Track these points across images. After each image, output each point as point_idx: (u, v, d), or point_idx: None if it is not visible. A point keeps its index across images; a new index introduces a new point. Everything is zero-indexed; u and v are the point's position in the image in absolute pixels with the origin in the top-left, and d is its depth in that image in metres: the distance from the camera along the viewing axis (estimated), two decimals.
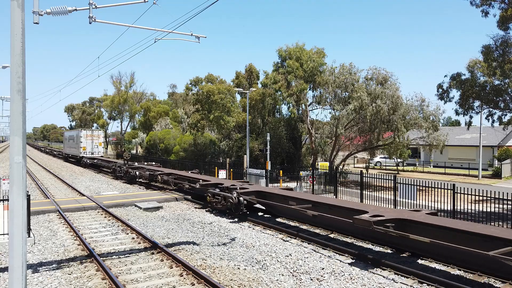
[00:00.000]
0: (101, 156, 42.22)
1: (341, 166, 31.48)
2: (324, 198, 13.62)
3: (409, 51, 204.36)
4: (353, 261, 9.77)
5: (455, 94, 29.99)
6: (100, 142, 43.35)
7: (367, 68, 35.96)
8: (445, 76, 21.11)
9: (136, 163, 29.10)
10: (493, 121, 21.12)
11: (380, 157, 48.54)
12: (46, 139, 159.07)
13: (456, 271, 8.80)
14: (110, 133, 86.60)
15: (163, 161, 36.39)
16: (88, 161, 40.07)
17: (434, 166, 45.73)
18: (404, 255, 10.04)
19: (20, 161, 5.99)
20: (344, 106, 27.33)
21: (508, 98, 19.16)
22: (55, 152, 69.52)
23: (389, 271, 8.91)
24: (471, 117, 21.34)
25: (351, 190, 19.52)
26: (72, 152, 46.73)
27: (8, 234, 7.75)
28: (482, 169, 35.69)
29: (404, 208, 15.51)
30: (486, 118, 21.91)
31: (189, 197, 19.44)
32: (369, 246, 11.00)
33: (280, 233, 12.66)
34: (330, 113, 31.71)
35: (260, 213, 15.82)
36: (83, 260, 9.81)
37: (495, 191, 13.09)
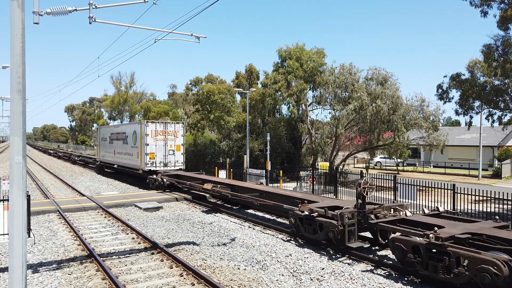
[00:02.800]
0: (180, 169, 24.47)
1: (341, 166, 31.47)
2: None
3: (409, 51, 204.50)
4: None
5: (455, 94, 30.00)
6: (178, 144, 24.64)
7: (367, 68, 35.93)
8: (445, 76, 21.15)
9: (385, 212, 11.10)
10: (493, 121, 21.14)
11: (380, 157, 48.53)
12: (46, 139, 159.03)
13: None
14: None
15: None
16: (165, 179, 21.61)
17: (434, 166, 45.72)
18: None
19: (20, 161, 5.99)
20: (344, 106, 27.32)
21: (508, 98, 19.17)
22: (75, 158, 47.90)
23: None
24: (471, 117, 21.37)
25: (351, 190, 19.52)
26: (123, 161, 27.24)
27: (8, 234, 7.75)
28: (482, 169, 35.67)
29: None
30: (486, 118, 21.94)
31: (189, 197, 19.43)
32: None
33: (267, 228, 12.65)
34: (330, 113, 31.70)
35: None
36: (83, 260, 9.81)
37: (495, 191, 13.08)
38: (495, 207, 15.73)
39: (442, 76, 47.29)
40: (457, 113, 21.03)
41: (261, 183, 20.48)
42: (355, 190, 11.15)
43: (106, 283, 8.28)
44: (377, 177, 18.33)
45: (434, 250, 7.80)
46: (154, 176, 22.31)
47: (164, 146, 23.92)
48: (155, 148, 23.56)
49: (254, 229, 13.39)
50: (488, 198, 13.04)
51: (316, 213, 10.64)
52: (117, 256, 10.20)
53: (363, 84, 27.97)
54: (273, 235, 12.46)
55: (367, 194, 10.42)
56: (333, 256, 10.19)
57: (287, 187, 21.80)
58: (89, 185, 26.19)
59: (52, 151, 73.64)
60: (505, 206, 13.11)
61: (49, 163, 50.47)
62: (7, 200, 10.29)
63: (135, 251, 10.68)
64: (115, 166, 29.08)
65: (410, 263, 8.26)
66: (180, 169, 24.33)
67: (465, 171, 38.95)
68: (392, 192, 16.93)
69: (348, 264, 9.59)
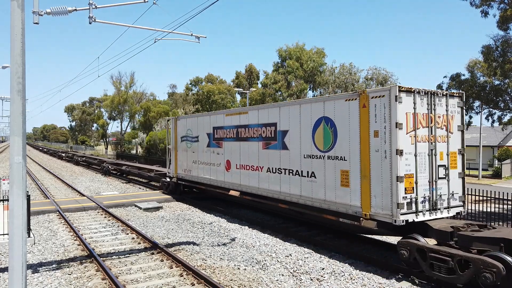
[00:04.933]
0: (456, 216, 9.93)
1: None
2: None
3: (410, 51, 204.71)
4: None
5: None
6: (453, 150, 9.99)
7: (367, 68, 36.00)
8: (445, 76, 21.18)
9: None
10: (493, 121, 21.16)
11: None
12: (46, 139, 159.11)
13: None
14: (110, 133, 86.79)
15: (163, 161, 36.33)
16: None
17: None
18: None
19: (20, 161, 6.00)
20: None
21: (508, 98, 19.18)
22: (108, 166, 32.68)
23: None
24: (470, 117, 21.37)
25: None
26: (271, 186, 12.86)
27: (8, 234, 7.75)
28: (482, 169, 35.71)
29: None
30: (486, 118, 21.96)
31: (189, 197, 19.43)
32: None
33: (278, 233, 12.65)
34: None
35: None
36: (83, 260, 9.81)
37: (495, 191, 13.09)
38: (495, 207, 15.73)
39: (442, 76, 47.30)
40: None
41: None
42: None
43: (106, 283, 8.28)
44: None
45: None
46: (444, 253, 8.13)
47: (429, 157, 9.56)
48: (413, 162, 9.24)
49: (253, 229, 13.38)
50: (488, 198, 13.04)
51: None
52: (117, 256, 10.20)
53: (363, 84, 28.03)
54: (273, 236, 12.45)
55: None
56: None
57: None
58: (89, 185, 26.18)
59: (63, 154, 56.56)
60: (505, 206, 13.12)
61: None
62: (7, 200, 10.29)
63: (135, 251, 10.68)
64: (233, 192, 14.91)
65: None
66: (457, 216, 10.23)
67: (465, 171, 38.95)
68: None
69: (349, 264, 9.58)
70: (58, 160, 55.06)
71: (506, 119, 21.29)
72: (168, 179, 20.83)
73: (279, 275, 8.86)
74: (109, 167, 32.98)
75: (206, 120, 17.08)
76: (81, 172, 36.62)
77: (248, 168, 14.11)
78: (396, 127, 8.91)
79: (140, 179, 27.06)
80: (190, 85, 41.52)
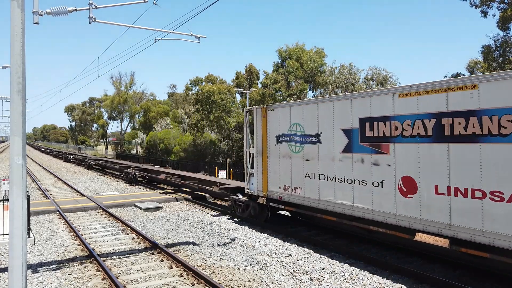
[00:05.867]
0: None
1: None
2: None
3: (410, 51, 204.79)
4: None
5: None
6: None
7: (367, 68, 36.06)
8: (445, 76, 21.14)
9: None
10: None
11: None
12: (46, 139, 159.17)
13: None
14: (110, 133, 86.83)
15: (163, 162, 36.35)
16: None
17: None
18: None
19: (20, 161, 6.00)
20: None
21: None
22: (161, 175, 22.27)
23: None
24: None
25: None
26: None
27: (8, 234, 7.76)
28: None
29: None
30: None
31: (189, 197, 19.43)
32: None
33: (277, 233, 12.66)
34: None
35: None
36: (83, 260, 9.81)
37: None
38: None
39: (442, 76, 47.34)
40: None
41: None
42: None
43: (106, 283, 8.29)
44: None
45: None
46: None
47: None
48: None
49: (253, 229, 13.38)
50: None
51: None
52: (117, 256, 10.20)
53: (363, 84, 28.05)
54: (273, 236, 12.45)
55: None
56: None
57: None
58: (89, 185, 26.18)
59: (71, 156, 48.43)
60: None
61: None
62: (7, 200, 10.29)
63: (135, 251, 10.69)
64: (428, 238, 8.07)
65: None
66: None
67: None
68: None
69: (349, 264, 9.58)
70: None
71: None
72: (243, 198, 14.74)
73: (279, 275, 8.86)
74: (136, 173, 26.02)
75: (341, 107, 10.33)
76: (81, 172, 36.53)
77: (479, 196, 7.37)
78: None
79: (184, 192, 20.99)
80: (190, 85, 41.57)
